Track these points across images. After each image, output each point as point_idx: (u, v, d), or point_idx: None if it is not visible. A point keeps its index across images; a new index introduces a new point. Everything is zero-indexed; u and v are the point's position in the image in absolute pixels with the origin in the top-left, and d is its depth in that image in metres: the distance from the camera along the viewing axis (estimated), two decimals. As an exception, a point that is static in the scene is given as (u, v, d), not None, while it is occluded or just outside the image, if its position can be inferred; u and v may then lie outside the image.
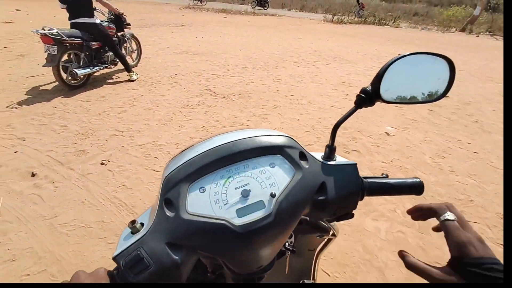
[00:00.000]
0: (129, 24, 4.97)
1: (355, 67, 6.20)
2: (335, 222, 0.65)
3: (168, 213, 0.42)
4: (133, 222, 0.43)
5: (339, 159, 0.54)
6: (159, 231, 0.41)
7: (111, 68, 4.60)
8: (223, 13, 17.62)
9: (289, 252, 0.58)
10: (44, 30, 3.47)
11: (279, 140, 0.50)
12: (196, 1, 22.64)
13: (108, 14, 4.65)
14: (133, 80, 4.49)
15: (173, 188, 0.44)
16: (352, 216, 0.54)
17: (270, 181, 0.46)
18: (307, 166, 0.49)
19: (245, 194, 0.44)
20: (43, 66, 3.64)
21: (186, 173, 0.45)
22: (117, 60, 4.47)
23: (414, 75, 0.51)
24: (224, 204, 0.43)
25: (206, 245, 0.42)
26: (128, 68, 4.51)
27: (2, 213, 1.89)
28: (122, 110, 3.50)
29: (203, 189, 0.44)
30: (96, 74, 4.42)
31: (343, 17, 17.08)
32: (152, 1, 24.82)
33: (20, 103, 3.47)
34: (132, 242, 0.41)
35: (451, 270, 0.38)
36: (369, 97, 0.50)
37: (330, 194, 0.48)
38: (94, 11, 4.06)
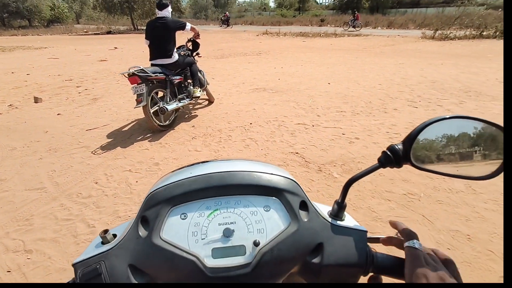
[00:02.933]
0: (198, 54, 4.64)
1: None
2: None
3: (141, 233, 0.39)
4: (106, 231, 0.41)
5: (348, 220, 0.47)
6: (126, 249, 0.39)
7: (193, 101, 4.36)
8: (301, 37, 16.63)
9: None
10: (130, 70, 3.33)
11: (280, 182, 0.44)
12: (348, 28, 21.18)
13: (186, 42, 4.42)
14: (197, 97, 4.09)
15: (153, 207, 0.40)
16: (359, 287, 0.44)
17: (260, 226, 0.41)
18: (306, 219, 0.43)
19: (227, 234, 0.40)
20: (134, 107, 3.42)
21: (171, 194, 0.41)
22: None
23: (456, 143, 0.42)
24: (202, 239, 0.39)
25: (170, 279, 0.38)
26: (201, 84, 4.25)
27: None
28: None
29: (185, 216, 0.40)
30: (147, 139, 3.58)
31: (449, 32, 14.09)
32: (231, 29, 25.83)
33: (57, 182, 2.73)
34: (96, 253, 0.39)
35: None
36: (397, 157, 0.42)
37: (326, 259, 0.41)
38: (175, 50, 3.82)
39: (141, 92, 3.29)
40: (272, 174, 0.45)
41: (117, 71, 7.58)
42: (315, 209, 0.46)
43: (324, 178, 2.55)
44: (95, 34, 25.06)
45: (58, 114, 4.37)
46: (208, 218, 0.41)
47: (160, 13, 3.64)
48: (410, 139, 0.42)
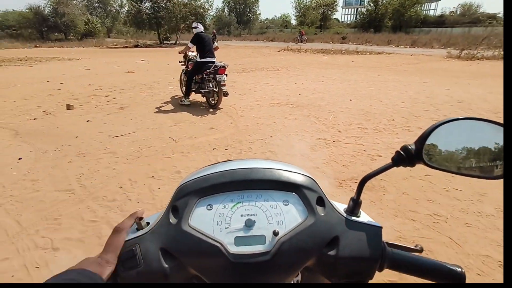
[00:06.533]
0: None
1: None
2: None
3: (172, 220, 0.43)
4: (140, 218, 0.45)
5: (364, 216, 0.48)
6: (158, 234, 0.43)
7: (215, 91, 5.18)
8: (322, 54, 16.76)
9: None
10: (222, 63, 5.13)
11: (298, 178, 0.47)
12: (297, 42, 22.98)
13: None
14: (185, 105, 5.45)
15: (183, 198, 0.44)
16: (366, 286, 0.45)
17: (279, 218, 0.44)
18: (322, 214, 0.45)
19: (249, 224, 0.43)
20: (223, 88, 5.02)
21: (199, 186, 0.45)
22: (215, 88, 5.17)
23: (466, 143, 0.43)
24: (226, 228, 0.43)
25: (197, 263, 0.42)
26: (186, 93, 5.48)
27: None
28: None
29: (211, 207, 0.44)
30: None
31: (476, 51, 13.74)
32: (253, 45, 26.48)
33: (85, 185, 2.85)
34: (132, 237, 0.43)
35: None
36: (409, 156, 0.44)
37: (341, 252, 0.43)
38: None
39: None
40: (291, 171, 0.48)
41: (143, 82, 7.92)
42: (331, 205, 0.48)
43: (345, 194, 2.50)
44: (123, 47, 26.45)
45: (88, 121, 4.60)
46: (232, 209, 0.44)
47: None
48: (422, 139, 0.43)
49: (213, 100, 5.32)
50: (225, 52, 17.73)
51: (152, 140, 3.81)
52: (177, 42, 29.65)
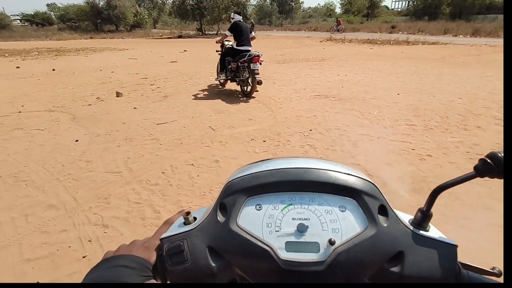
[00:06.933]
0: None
1: None
2: None
3: (219, 218, 0.42)
4: (188, 213, 0.44)
5: (434, 231, 0.42)
6: (206, 231, 0.42)
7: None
8: (368, 44, 15.82)
9: None
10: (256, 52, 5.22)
11: (358, 183, 0.43)
12: (333, 32, 22.40)
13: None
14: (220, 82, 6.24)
15: (231, 195, 0.43)
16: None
17: (334, 225, 0.40)
18: (385, 224, 0.41)
19: (301, 229, 0.40)
20: (257, 77, 5.01)
21: (248, 185, 0.43)
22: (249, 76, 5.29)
23: None
24: (276, 231, 0.40)
25: (244, 266, 0.40)
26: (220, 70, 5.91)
27: None
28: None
29: (260, 207, 0.42)
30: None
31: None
32: (294, 35, 25.89)
33: (132, 167, 3.03)
34: (180, 231, 0.42)
35: None
36: (498, 165, 0.35)
37: (407, 269, 0.38)
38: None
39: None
40: (349, 174, 0.44)
41: (185, 72, 8.18)
42: (396, 215, 0.43)
43: (389, 194, 2.35)
44: (168, 38, 27.52)
45: (134, 108, 4.87)
46: (282, 211, 0.42)
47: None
48: None
49: (247, 88, 5.44)
50: (265, 43, 17.59)
51: (193, 128, 3.93)
52: (218, 32, 30.08)
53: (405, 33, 22.50)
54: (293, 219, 0.41)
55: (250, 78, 5.24)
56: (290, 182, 0.43)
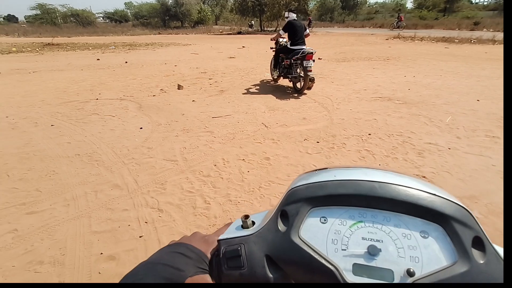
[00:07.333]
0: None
1: None
2: None
3: (280, 227, 0.39)
4: (247, 217, 0.43)
5: None
6: (264, 239, 0.39)
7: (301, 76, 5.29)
8: (444, 43, 14.19)
9: None
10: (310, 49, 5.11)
11: (447, 207, 0.35)
12: (392, 28, 20.83)
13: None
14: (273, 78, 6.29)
15: (293, 204, 0.39)
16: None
17: (414, 253, 0.34)
18: (481, 261, 0.33)
19: (373, 252, 0.34)
20: (309, 72, 5.03)
21: (313, 194, 0.39)
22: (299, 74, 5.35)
23: None
24: (342, 249, 0.35)
25: (302, 279, 0.36)
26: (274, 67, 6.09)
27: None
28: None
29: (325, 220, 0.38)
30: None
31: None
32: (357, 32, 24.53)
33: (187, 158, 3.18)
34: (238, 235, 0.41)
35: None
36: None
37: None
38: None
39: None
40: (436, 195, 0.36)
41: (242, 67, 8.35)
42: (495, 250, 0.34)
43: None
44: (228, 34, 28.46)
45: (193, 101, 5.13)
46: (351, 228, 0.37)
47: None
48: None
49: (299, 85, 5.40)
50: (325, 40, 17.02)
51: (246, 124, 3.97)
52: (277, 29, 30.05)
53: (491, 30, 19.60)
54: (362, 238, 0.36)
55: (302, 75, 5.17)
56: (362, 196, 0.37)
